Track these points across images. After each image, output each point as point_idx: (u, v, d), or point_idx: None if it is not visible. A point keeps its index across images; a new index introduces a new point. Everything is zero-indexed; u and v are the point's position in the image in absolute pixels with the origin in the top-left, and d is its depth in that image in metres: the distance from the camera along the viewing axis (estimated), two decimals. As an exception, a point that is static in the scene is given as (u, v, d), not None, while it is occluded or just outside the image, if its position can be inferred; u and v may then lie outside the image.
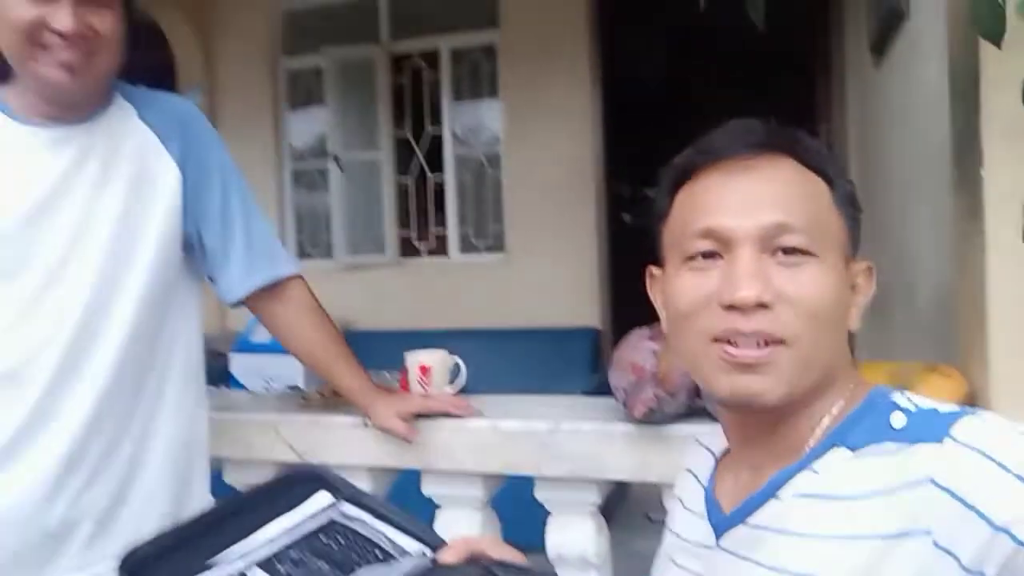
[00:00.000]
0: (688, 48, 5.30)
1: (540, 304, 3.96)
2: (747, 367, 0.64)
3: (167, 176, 1.13)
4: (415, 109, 4.41)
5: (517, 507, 1.48)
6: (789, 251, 0.64)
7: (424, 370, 1.40)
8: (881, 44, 2.41)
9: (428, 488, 1.36)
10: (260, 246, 1.22)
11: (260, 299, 1.23)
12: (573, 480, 1.25)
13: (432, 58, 4.34)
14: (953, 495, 0.56)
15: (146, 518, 1.13)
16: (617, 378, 1.21)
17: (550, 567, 0.80)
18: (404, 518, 0.82)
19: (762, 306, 0.63)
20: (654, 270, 0.77)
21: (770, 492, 0.66)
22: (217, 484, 1.49)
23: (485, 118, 4.33)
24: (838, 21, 3.57)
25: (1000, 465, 0.55)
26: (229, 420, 1.43)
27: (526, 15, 4.06)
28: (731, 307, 0.64)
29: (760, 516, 0.67)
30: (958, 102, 1.21)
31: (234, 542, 0.78)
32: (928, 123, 1.74)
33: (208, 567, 0.75)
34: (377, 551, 0.78)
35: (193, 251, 1.19)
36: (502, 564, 0.73)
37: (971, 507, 0.55)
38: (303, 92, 4.64)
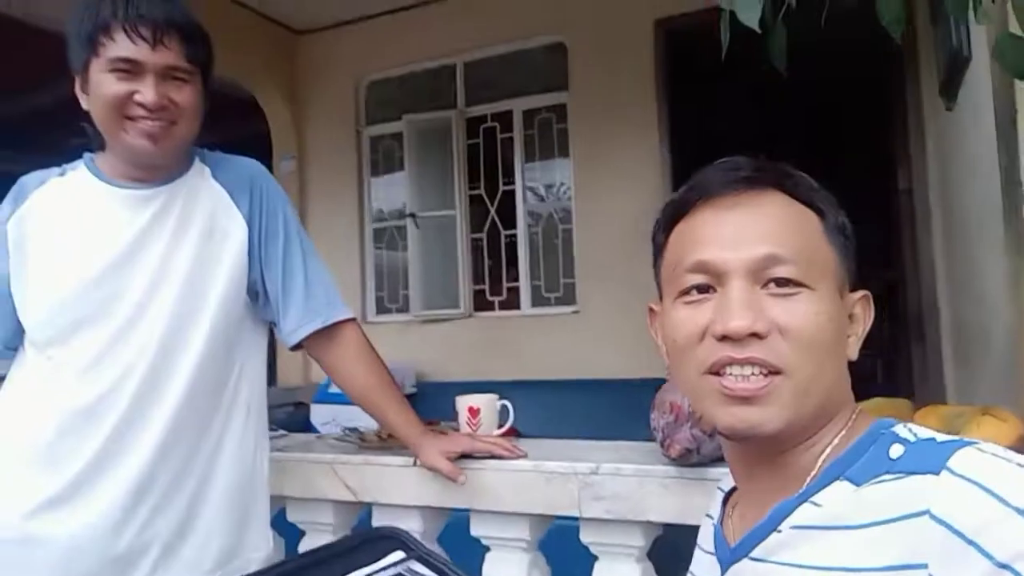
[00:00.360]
0: (760, 99, 5.29)
1: (610, 355, 3.95)
2: (745, 400, 0.65)
3: (235, 229, 1.24)
4: (488, 168, 4.57)
5: (569, 556, 1.49)
6: (781, 282, 0.65)
7: (473, 412, 1.45)
8: (949, 87, 2.36)
9: (476, 529, 1.38)
10: (318, 293, 1.31)
11: (317, 342, 1.31)
12: (615, 522, 1.25)
13: (505, 119, 4.51)
14: (951, 529, 0.54)
15: (207, 548, 1.20)
16: (656, 418, 1.22)
17: None
18: None
19: (756, 336, 0.64)
20: (653, 306, 0.79)
21: (772, 525, 0.66)
22: (281, 522, 1.57)
23: (556, 175, 4.44)
24: (913, 65, 3.52)
25: (999, 499, 0.54)
26: (291, 460, 1.51)
27: (594, 78, 4.17)
28: (725, 337, 0.65)
29: (763, 549, 0.67)
30: (1001, 141, 1.19)
31: None
32: (991, 164, 1.70)
33: None
34: None
35: (258, 298, 1.29)
36: None
37: (970, 542, 0.53)
38: (384, 156, 4.89)
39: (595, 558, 1.31)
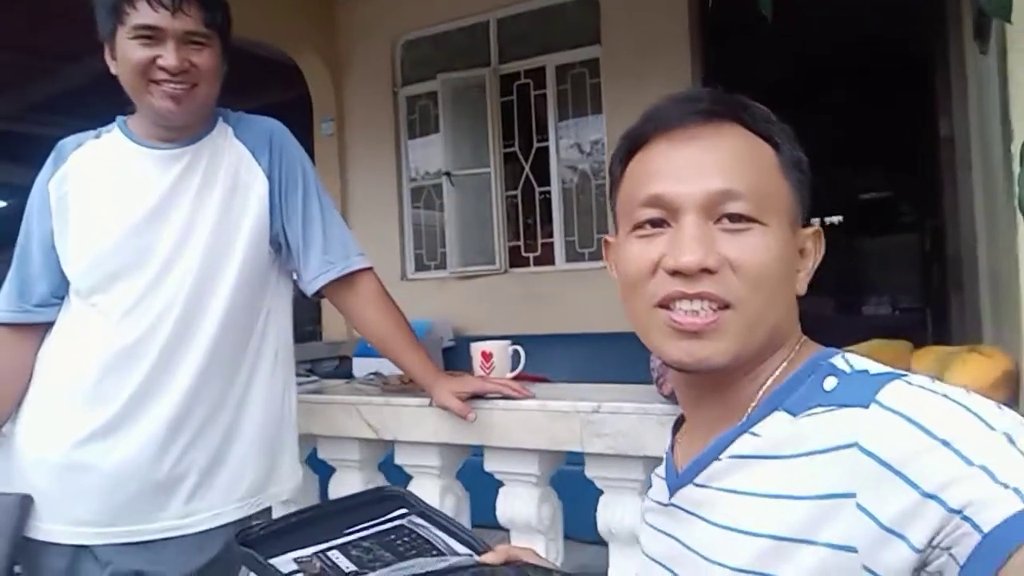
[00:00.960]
0: (801, 52, 5.16)
1: (641, 309, 3.98)
2: (694, 334, 0.65)
3: (256, 184, 1.33)
4: (522, 125, 4.59)
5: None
6: (734, 217, 0.65)
7: (486, 356, 1.53)
8: (981, 30, 2.29)
9: (489, 465, 1.47)
10: (335, 244, 1.39)
11: (335, 290, 1.39)
12: (616, 457, 1.32)
13: (538, 75, 4.51)
14: (878, 460, 0.55)
15: (240, 478, 1.31)
16: (653, 359, 1.27)
17: None
18: (460, 528, 0.99)
19: (707, 271, 0.64)
20: (609, 238, 0.79)
21: (714, 453, 0.69)
22: (314, 460, 1.69)
23: (589, 131, 4.44)
24: (956, 9, 3.40)
25: (924, 430, 0.55)
26: (320, 401, 1.62)
27: (627, 31, 4.13)
28: (676, 272, 0.65)
29: (705, 476, 0.69)
30: (1003, 82, 1.19)
31: (327, 535, 0.97)
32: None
33: (302, 547, 0.95)
34: (433, 551, 0.95)
35: (280, 249, 1.38)
36: (535, 567, 0.84)
37: (897, 473, 0.54)
38: (420, 116, 4.95)
39: (600, 492, 1.39)
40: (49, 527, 1.23)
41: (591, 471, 1.38)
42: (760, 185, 0.67)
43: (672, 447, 0.80)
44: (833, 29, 4.81)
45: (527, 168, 4.61)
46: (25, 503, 1.23)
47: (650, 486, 0.84)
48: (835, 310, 7.72)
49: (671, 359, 0.68)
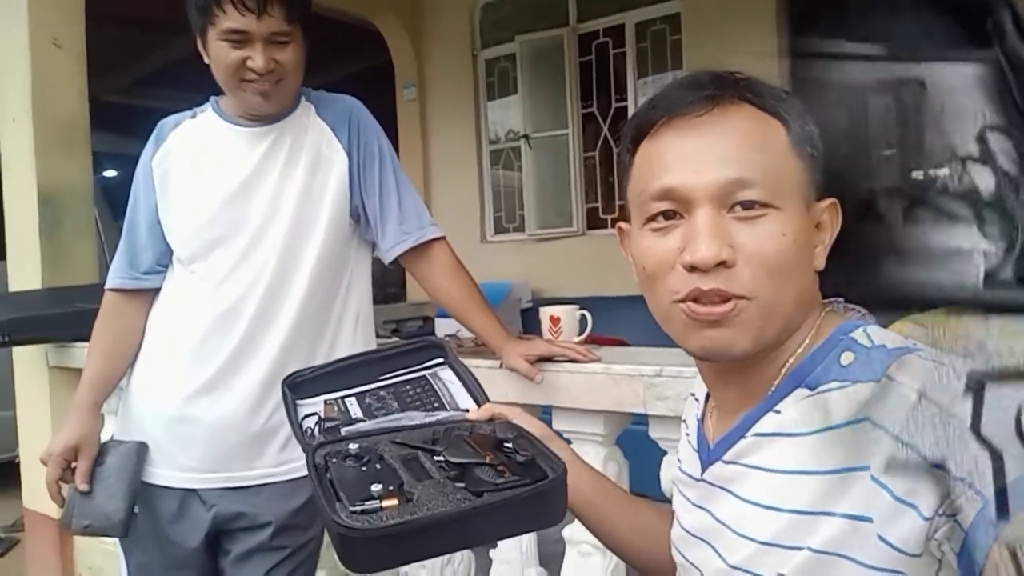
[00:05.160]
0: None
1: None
2: (713, 323, 0.66)
3: (337, 160, 1.41)
4: (601, 85, 4.55)
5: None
6: (747, 205, 0.65)
7: (554, 321, 1.58)
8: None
9: (557, 424, 1.54)
10: (410, 216, 1.46)
11: (410, 258, 1.47)
12: (677, 419, 1.36)
13: (617, 33, 4.44)
14: (889, 433, 0.58)
15: (327, 431, 1.43)
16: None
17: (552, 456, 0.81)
18: (475, 385, 1.02)
19: (723, 264, 0.64)
20: (622, 225, 0.79)
21: (741, 431, 0.71)
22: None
23: (669, 89, 4.35)
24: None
25: (932, 402, 0.57)
26: (398, 362, 1.72)
27: (709, -19, 4.01)
28: (692, 268, 0.65)
29: (733, 453, 0.71)
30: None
31: (360, 381, 1.01)
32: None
33: (334, 391, 1.00)
34: (436, 402, 0.99)
35: (359, 220, 1.47)
36: (510, 425, 0.88)
37: (908, 445, 0.57)
38: (499, 78, 4.98)
39: (663, 452, 1.44)
40: (161, 472, 1.38)
41: (654, 432, 1.42)
42: (771, 168, 0.66)
43: (702, 417, 0.81)
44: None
45: (605, 129, 4.58)
46: (141, 450, 1.39)
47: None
48: None
49: (693, 349, 0.69)
